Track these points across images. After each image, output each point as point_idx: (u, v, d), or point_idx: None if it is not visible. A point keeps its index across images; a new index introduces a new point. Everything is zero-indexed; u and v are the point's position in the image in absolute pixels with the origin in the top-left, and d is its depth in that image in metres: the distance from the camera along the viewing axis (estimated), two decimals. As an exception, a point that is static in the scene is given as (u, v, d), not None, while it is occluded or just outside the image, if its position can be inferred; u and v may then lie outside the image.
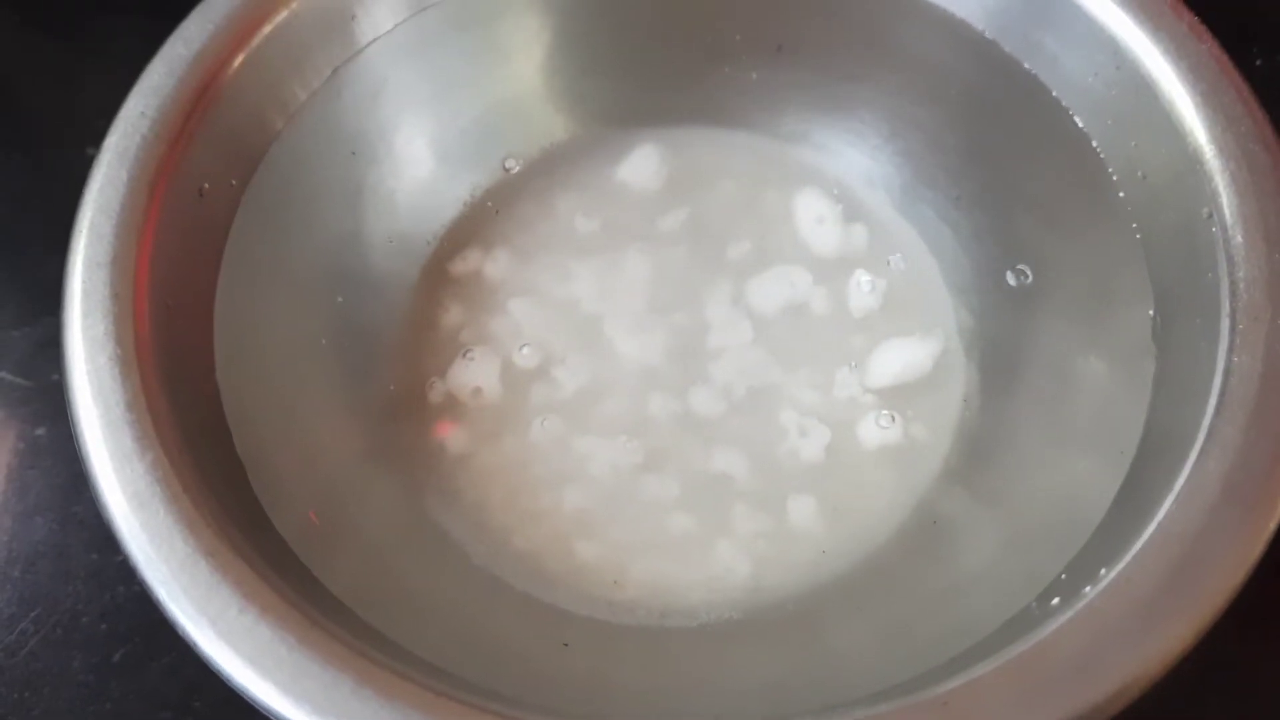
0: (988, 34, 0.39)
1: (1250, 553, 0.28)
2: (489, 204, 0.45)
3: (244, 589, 0.28)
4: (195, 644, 0.27)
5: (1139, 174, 0.36)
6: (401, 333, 0.43)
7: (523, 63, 0.45)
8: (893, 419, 0.41)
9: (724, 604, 0.38)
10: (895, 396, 0.41)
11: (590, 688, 0.34)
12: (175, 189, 0.34)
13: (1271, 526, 0.28)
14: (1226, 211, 0.33)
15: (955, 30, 0.40)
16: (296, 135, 0.38)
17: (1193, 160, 0.34)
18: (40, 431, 0.43)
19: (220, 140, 0.36)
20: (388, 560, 0.36)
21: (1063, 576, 0.30)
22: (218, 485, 0.30)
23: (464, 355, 0.42)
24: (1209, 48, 0.35)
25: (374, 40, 0.40)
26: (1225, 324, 0.31)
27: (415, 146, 0.44)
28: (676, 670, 0.36)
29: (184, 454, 0.30)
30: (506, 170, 0.46)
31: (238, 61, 0.36)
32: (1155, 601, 0.27)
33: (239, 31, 0.36)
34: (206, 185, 0.35)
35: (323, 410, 0.39)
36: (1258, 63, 0.47)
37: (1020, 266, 0.41)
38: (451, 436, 0.41)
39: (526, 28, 0.44)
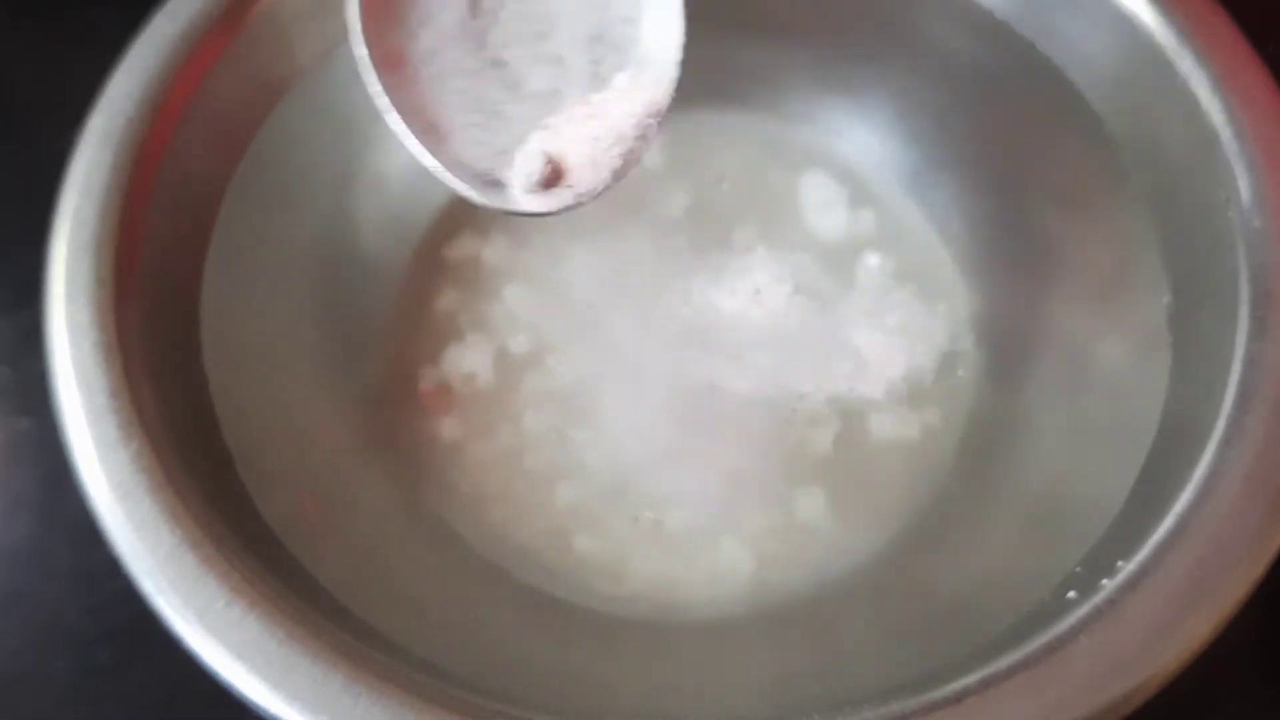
0: (999, 14, 0.39)
1: (1270, 544, 0.27)
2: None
3: (231, 581, 0.27)
4: (182, 638, 0.26)
5: (1154, 157, 0.35)
6: (393, 319, 0.42)
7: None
8: (903, 407, 0.40)
9: (728, 599, 0.37)
10: (906, 386, 0.40)
11: (589, 685, 0.33)
12: (161, 172, 0.33)
13: (1292, 518, 0.28)
14: (1245, 195, 0.32)
15: (966, 10, 0.39)
16: (286, 116, 0.37)
17: (1210, 143, 0.33)
18: (24, 423, 0.42)
19: (208, 122, 0.35)
20: (380, 552, 0.35)
21: (1078, 570, 0.30)
22: (204, 475, 0.30)
23: (457, 342, 0.41)
24: (1226, 28, 0.35)
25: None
26: (1244, 311, 0.31)
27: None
28: (679, 668, 0.35)
29: (169, 443, 0.29)
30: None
31: (226, 40, 0.35)
32: (1173, 595, 0.27)
33: (228, 8, 0.35)
34: (193, 167, 0.34)
35: (312, 397, 0.38)
36: (1270, 48, 0.46)
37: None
38: (444, 425, 0.40)
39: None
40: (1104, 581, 0.27)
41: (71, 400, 0.29)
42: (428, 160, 0.31)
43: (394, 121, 0.30)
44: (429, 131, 0.30)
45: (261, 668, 0.26)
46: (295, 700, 0.25)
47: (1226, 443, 0.29)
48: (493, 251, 0.43)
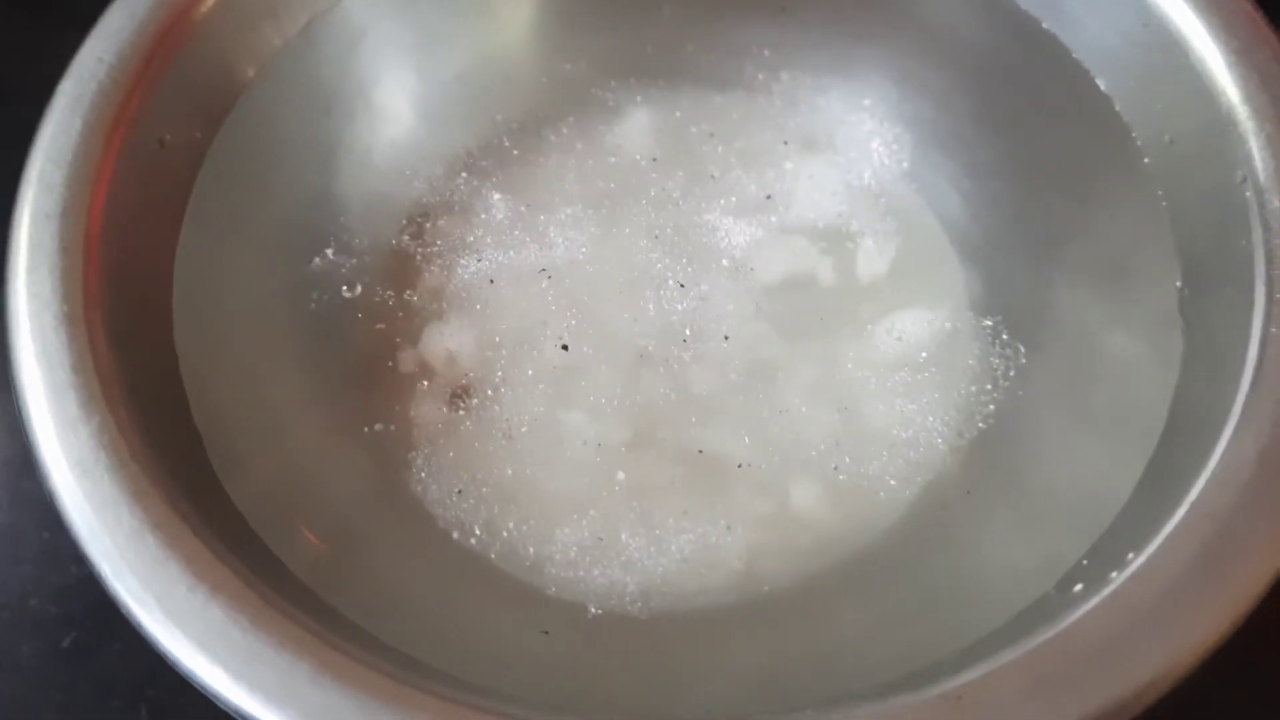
0: (1004, -10, 0.38)
1: None
2: (472, 164, 0.43)
3: (195, 566, 0.26)
4: (140, 624, 0.26)
5: (1166, 138, 0.35)
6: (374, 297, 0.40)
7: (510, 18, 0.44)
8: (901, 396, 0.39)
9: (718, 589, 0.36)
10: (908, 368, 0.39)
11: (571, 678, 0.32)
12: (133, 139, 0.32)
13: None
14: (1261, 174, 0.31)
15: (969, -14, 0.38)
16: (268, 87, 0.37)
17: (1225, 122, 0.32)
18: (-11, 402, 0.41)
19: (184, 89, 0.34)
20: (353, 538, 0.34)
21: (1085, 562, 0.29)
22: (171, 455, 0.29)
23: (440, 321, 0.40)
24: (1242, 3, 0.34)
25: (354, -11, 0.38)
26: (1261, 293, 0.30)
27: (394, 103, 0.42)
28: (666, 660, 0.34)
29: (134, 421, 0.28)
30: (491, 129, 0.44)
31: (206, 6, 0.35)
32: (1186, 587, 0.26)
33: (208, -26, 0.34)
34: (168, 136, 0.34)
35: (288, 377, 0.37)
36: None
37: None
38: (424, 408, 0.39)
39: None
40: (1113, 574, 0.26)
41: (32, 374, 0.28)
42: None
43: None
44: None
45: (223, 656, 0.25)
46: (258, 691, 0.24)
47: (1241, 429, 0.28)
48: (478, 231, 0.42)
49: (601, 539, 0.36)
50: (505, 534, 0.36)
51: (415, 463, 0.38)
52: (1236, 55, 0.33)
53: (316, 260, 0.39)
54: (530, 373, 0.39)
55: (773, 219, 0.42)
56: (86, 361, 0.28)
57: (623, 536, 0.36)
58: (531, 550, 0.36)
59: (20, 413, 0.28)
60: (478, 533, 0.36)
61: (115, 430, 0.27)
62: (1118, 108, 0.36)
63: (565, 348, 0.39)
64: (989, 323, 0.40)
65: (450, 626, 0.32)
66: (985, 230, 0.41)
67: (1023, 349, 0.39)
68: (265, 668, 0.25)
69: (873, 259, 0.41)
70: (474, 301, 0.41)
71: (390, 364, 0.40)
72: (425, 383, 0.39)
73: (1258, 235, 0.31)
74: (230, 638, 0.25)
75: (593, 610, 0.35)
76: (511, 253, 0.42)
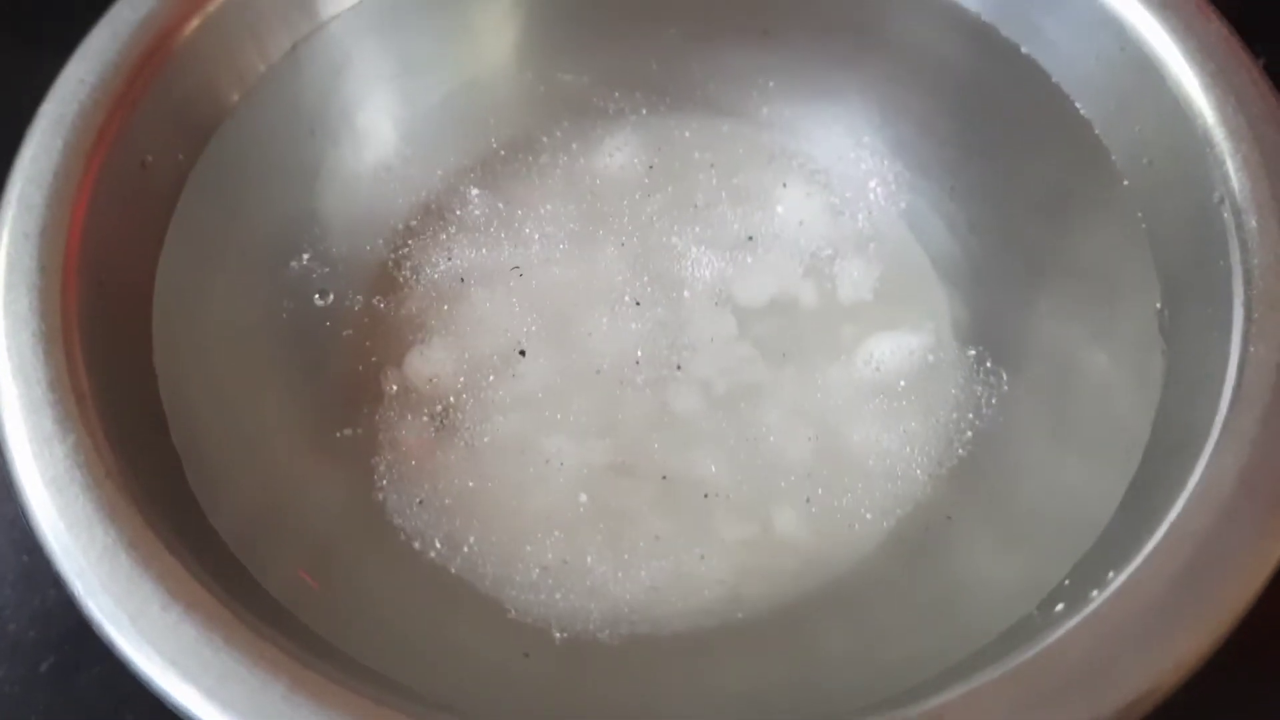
0: (984, 17, 0.38)
1: (1271, 553, 0.26)
2: (457, 187, 0.43)
3: (169, 584, 0.26)
4: (113, 643, 0.25)
5: (1144, 160, 0.35)
6: (357, 320, 0.40)
7: (495, 43, 0.44)
8: (878, 424, 0.39)
9: (699, 612, 0.35)
10: (886, 394, 0.39)
11: (552, 702, 0.31)
12: (114, 160, 0.32)
13: (1293, 524, 0.26)
14: (1239, 194, 0.31)
15: (950, 13, 0.39)
16: (251, 111, 0.37)
17: (1202, 143, 0.33)
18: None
19: (167, 111, 0.34)
20: (332, 559, 0.34)
21: (1067, 582, 0.29)
22: (148, 475, 0.28)
23: (423, 344, 0.40)
24: (1218, 26, 0.34)
25: (338, 15, 0.38)
26: (1239, 313, 0.30)
27: (379, 128, 0.42)
28: (646, 683, 0.33)
29: (111, 440, 0.28)
30: (476, 154, 0.44)
31: (189, 29, 0.35)
32: (1167, 606, 0.26)
33: (193, -1, 0.35)
34: (150, 158, 0.34)
35: (269, 399, 0.37)
36: (1261, 60, 0.46)
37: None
38: (406, 429, 0.38)
39: (499, 6, 0.43)
40: (1094, 593, 0.26)
41: (8, 391, 0.28)
42: None
43: None
44: None
45: (196, 675, 0.24)
46: (230, 709, 0.24)
47: (1222, 448, 0.28)
48: (461, 253, 0.42)
49: (580, 562, 0.36)
50: (466, 549, 0.36)
51: (393, 483, 0.37)
52: (1213, 77, 0.33)
53: (294, 264, 0.39)
54: (510, 395, 0.39)
55: (754, 242, 0.42)
56: (63, 379, 0.28)
57: (602, 560, 0.36)
58: (490, 569, 0.36)
59: (-3, 431, 0.27)
60: (438, 546, 0.36)
61: (91, 448, 0.27)
62: (1097, 130, 0.36)
63: (523, 353, 0.39)
64: (973, 351, 0.39)
65: (429, 648, 0.32)
66: (968, 254, 0.41)
67: (1005, 375, 0.38)
68: (239, 686, 0.24)
69: (855, 282, 0.41)
70: (456, 324, 0.40)
71: (373, 385, 0.39)
72: (406, 404, 0.39)
73: (1235, 255, 0.31)
74: (203, 656, 0.25)
75: (571, 633, 0.34)
76: (496, 273, 0.41)
